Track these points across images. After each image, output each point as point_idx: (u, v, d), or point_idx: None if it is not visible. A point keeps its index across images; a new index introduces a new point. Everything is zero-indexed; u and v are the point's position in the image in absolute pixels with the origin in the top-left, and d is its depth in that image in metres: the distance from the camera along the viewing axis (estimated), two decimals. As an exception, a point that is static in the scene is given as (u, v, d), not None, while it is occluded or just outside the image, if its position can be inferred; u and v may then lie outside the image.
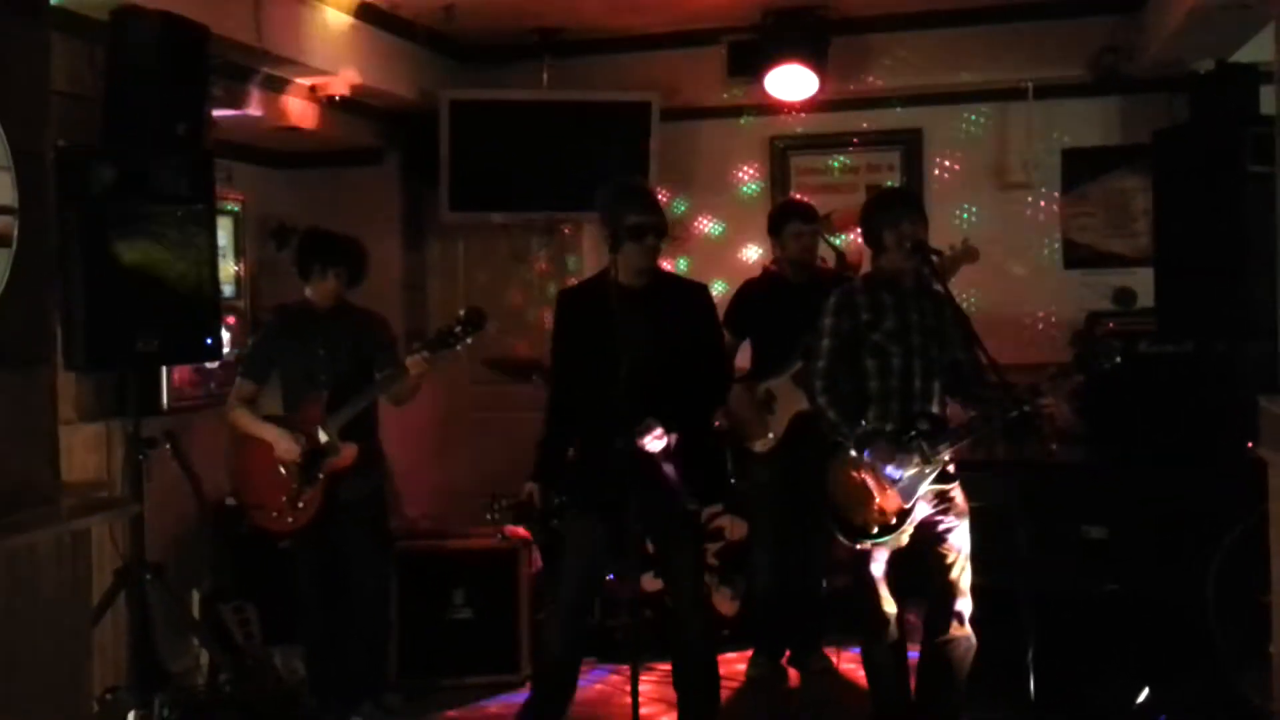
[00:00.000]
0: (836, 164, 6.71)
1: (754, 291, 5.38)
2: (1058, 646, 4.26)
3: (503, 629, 5.19)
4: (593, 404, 3.98)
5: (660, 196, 6.53)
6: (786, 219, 5.23)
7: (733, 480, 5.73)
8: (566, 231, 6.89)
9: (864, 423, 4.06)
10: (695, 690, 4.09)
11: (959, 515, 4.06)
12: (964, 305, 4.36)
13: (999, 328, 6.01)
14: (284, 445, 4.51)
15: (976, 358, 4.01)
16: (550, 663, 4.10)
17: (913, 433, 3.98)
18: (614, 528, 3.94)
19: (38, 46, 2.80)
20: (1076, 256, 6.39)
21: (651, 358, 3.81)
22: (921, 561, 4.09)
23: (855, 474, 4.02)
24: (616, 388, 3.73)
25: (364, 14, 5.76)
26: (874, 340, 4.05)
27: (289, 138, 6.08)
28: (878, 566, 4.11)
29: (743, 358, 5.34)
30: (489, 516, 5.06)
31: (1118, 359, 3.90)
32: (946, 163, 6.58)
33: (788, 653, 5.31)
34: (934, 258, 4.08)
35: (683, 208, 6.85)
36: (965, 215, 6.51)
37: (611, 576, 5.48)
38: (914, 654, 4.22)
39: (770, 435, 5.14)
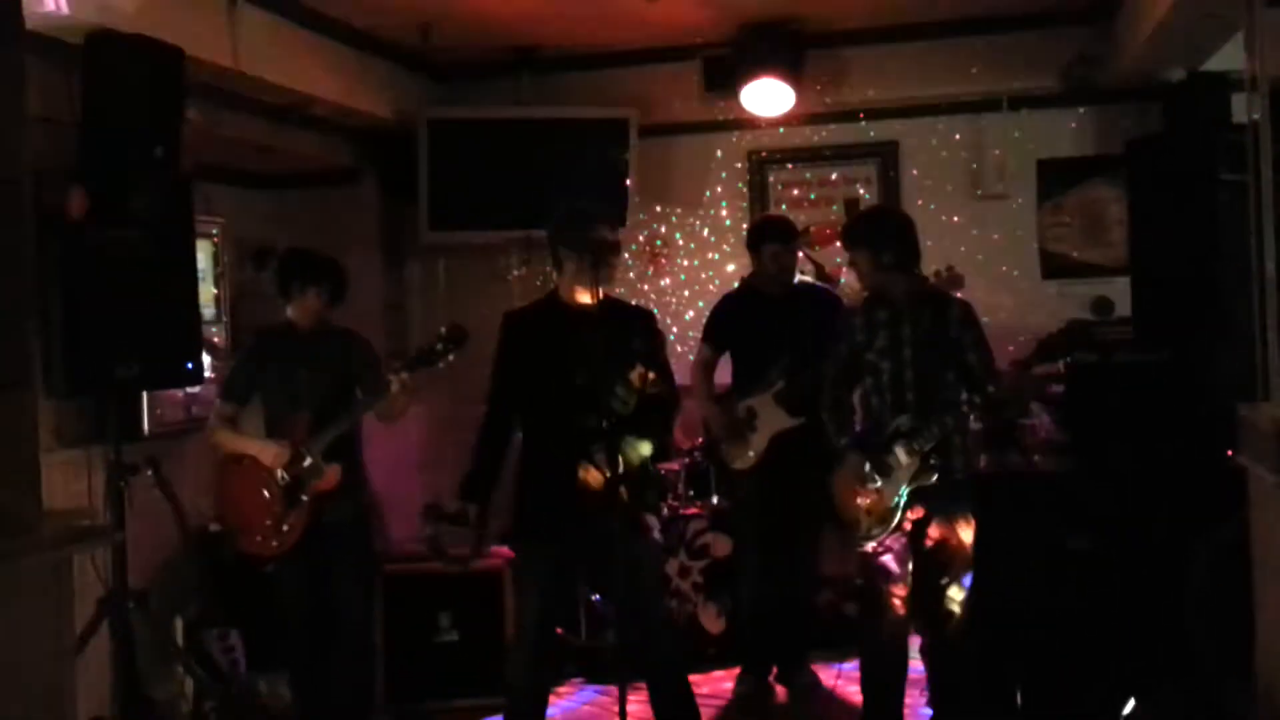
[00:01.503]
0: (813, 177, 6.75)
1: (732, 305, 5.40)
2: (1042, 657, 4.28)
3: (490, 651, 5.16)
4: (541, 428, 3.99)
5: (638, 214, 6.62)
6: (763, 240, 5.23)
7: (715, 497, 5.75)
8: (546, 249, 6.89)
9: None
10: (673, 709, 4.07)
11: (953, 503, 4.15)
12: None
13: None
14: (271, 453, 4.47)
15: (986, 361, 4.13)
16: (517, 691, 4.05)
17: (891, 432, 4.14)
18: (567, 552, 3.97)
19: (12, 72, 2.79)
20: (1053, 267, 6.43)
21: (602, 380, 3.80)
22: None
23: (847, 481, 4.25)
24: (569, 411, 3.76)
25: (340, 34, 5.76)
26: (868, 359, 4.26)
27: (266, 159, 6.06)
28: (889, 557, 4.23)
29: (722, 373, 5.35)
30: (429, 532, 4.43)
31: (1068, 357, 4.01)
32: (923, 175, 6.62)
33: (775, 669, 5.30)
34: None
35: (661, 224, 6.87)
36: (942, 226, 6.55)
37: (597, 597, 5.50)
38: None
39: (751, 453, 5.12)
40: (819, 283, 5.67)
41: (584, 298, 3.94)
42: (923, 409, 4.12)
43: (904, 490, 4.13)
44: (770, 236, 5.22)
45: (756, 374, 5.13)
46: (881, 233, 4.26)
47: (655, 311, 4.38)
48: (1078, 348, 4.07)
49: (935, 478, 4.11)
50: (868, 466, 4.18)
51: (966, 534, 4.17)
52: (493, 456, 4.09)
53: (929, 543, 4.18)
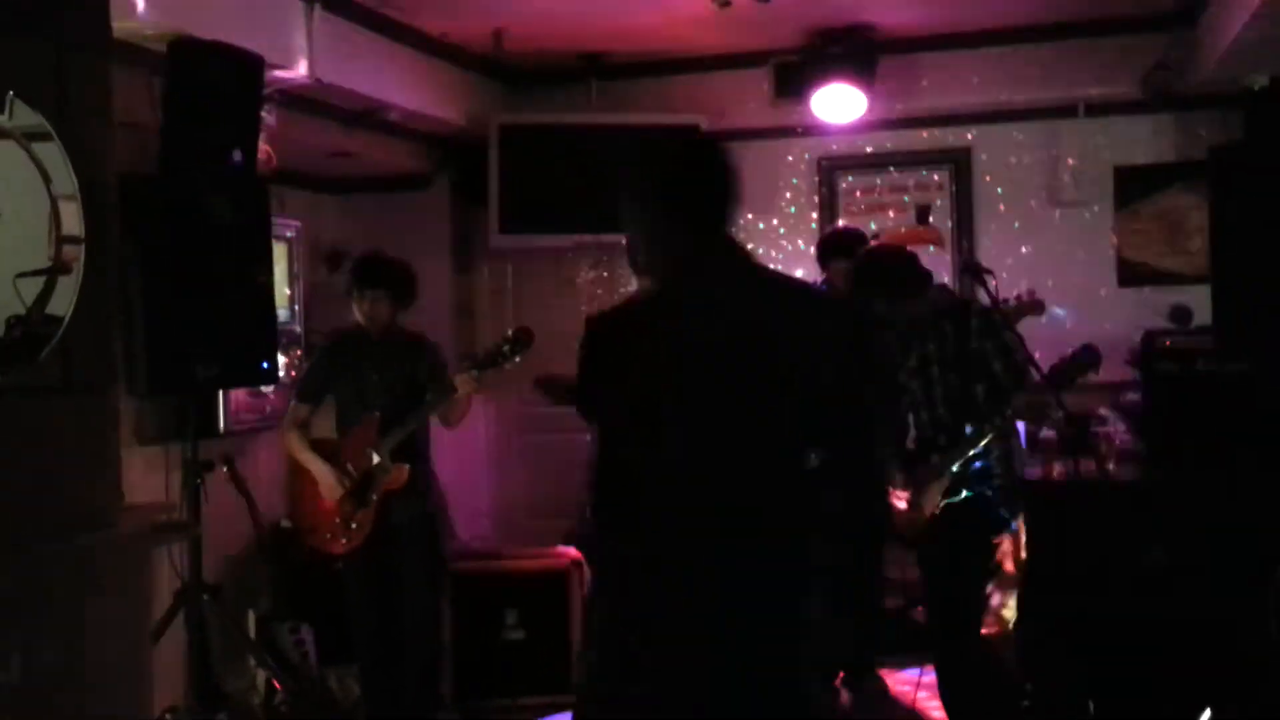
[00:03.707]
0: (884, 184, 6.70)
1: None
2: (1117, 668, 4.21)
3: (556, 649, 5.19)
4: None
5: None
6: (830, 256, 5.26)
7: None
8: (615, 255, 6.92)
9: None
10: None
11: (987, 526, 4.11)
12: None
13: (1054, 347, 5.92)
14: (327, 485, 4.55)
15: (1011, 367, 4.04)
16: (584, 693, 4.08)
17: (927, 449, 4.17)
18: None
19: (100, 78, 2.86)
20: (1130, 275, 6.33)
21: None
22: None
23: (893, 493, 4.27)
24: None
25: (414, 41, 5.83)
26: (900, 380, 4.26)
27: (340, 164, 6.16)
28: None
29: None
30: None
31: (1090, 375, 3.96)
32: (996, 182, 6.54)
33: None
34: (987, 277, 4.14)
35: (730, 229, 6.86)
36: (1016, 234, 6.48)
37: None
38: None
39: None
40: None
41: None
42: (956, 425, 4.10)
43: (938, 505, 4.12)
44: (836, 252, 5.23)
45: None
46: (895, 280, 4.24)
47: None
48: (1086, 372, 4.00)
49: (966, 494, 4.08)
50: (902, 479, 4.21)
51: (1005, 546, 4.14)
52: None
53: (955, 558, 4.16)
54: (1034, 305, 4.84)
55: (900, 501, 4.21)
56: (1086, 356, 3.95)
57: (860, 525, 3.60)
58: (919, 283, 4.26)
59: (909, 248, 5.20)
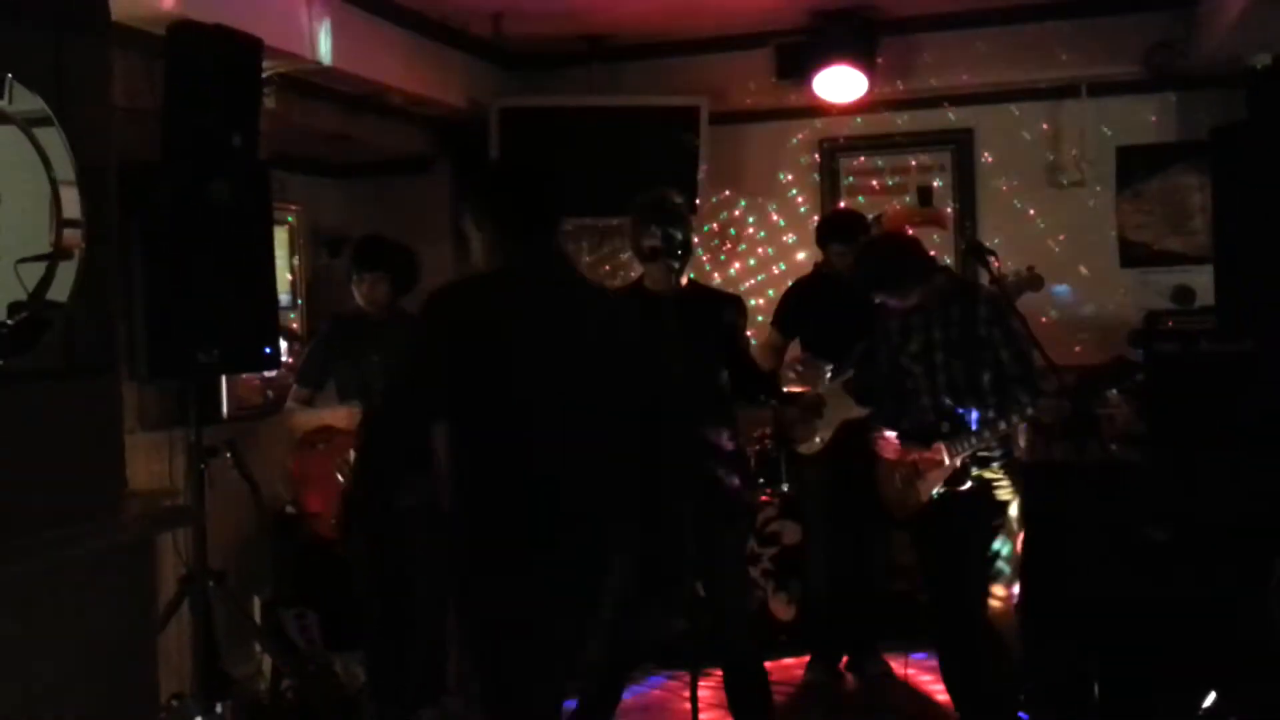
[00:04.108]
0: (886, 165, 6.69)
1: (804, 292, 5.38)
2: (1120, 650, 4.22)
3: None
4: None
5: (710, 200, 6.61)
6: (827, 240, 5.25)
7: (785, 485, 5.72)
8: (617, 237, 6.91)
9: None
10: (747, 695, 4.09)
11: (995, 514, 4.09)
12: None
13: (1056, 328, 5.99)
14: (348, 421, 4.53)
15: (1019, 355, 4.02)
16: (592, 675, 4.09)
17: (935, 436, 4.12)
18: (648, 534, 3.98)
19: (100, 61, 2.85)
20: (1133, 255, 6.31)
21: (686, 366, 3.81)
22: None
23: (885, 467, 4.29)
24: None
25: (415, 24, 5.81)
26: (902, 364, 4.25)
27: (341, 148, 6.14)
28: None
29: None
30: None
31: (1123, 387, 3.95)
32: (998, 162, 6.53)
33: (845, 658, 5.28)
34: (990, 258, 4.15)
35: (732, 211, 6.86)
36: (1017, 214, 6.47)
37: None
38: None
39: (818, 440, 5.12)
40: None
41: (663, 288, 3.95)
42: (960, 413, 4.07)
43: (935, 493, 4.11)
44: (833, 236, 5.22)
45: (827, 361, 5.11)
46: (908, 266, 4.21)
47: None
48: (1126, 378, 3.99)
49: (968, 484, 4.07)
50: (906, 454, 4.20)
51: (1007, 527, 4.12)
52: None
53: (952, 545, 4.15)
54: (1033, 280, 4.83)
55: (911, 496, 4.18)
56: (1121, 372, 3.95)
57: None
58: (920, 272, 4.22)
59: (912, 230, 5.20)
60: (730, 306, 4.19)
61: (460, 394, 2.88)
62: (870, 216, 5.75)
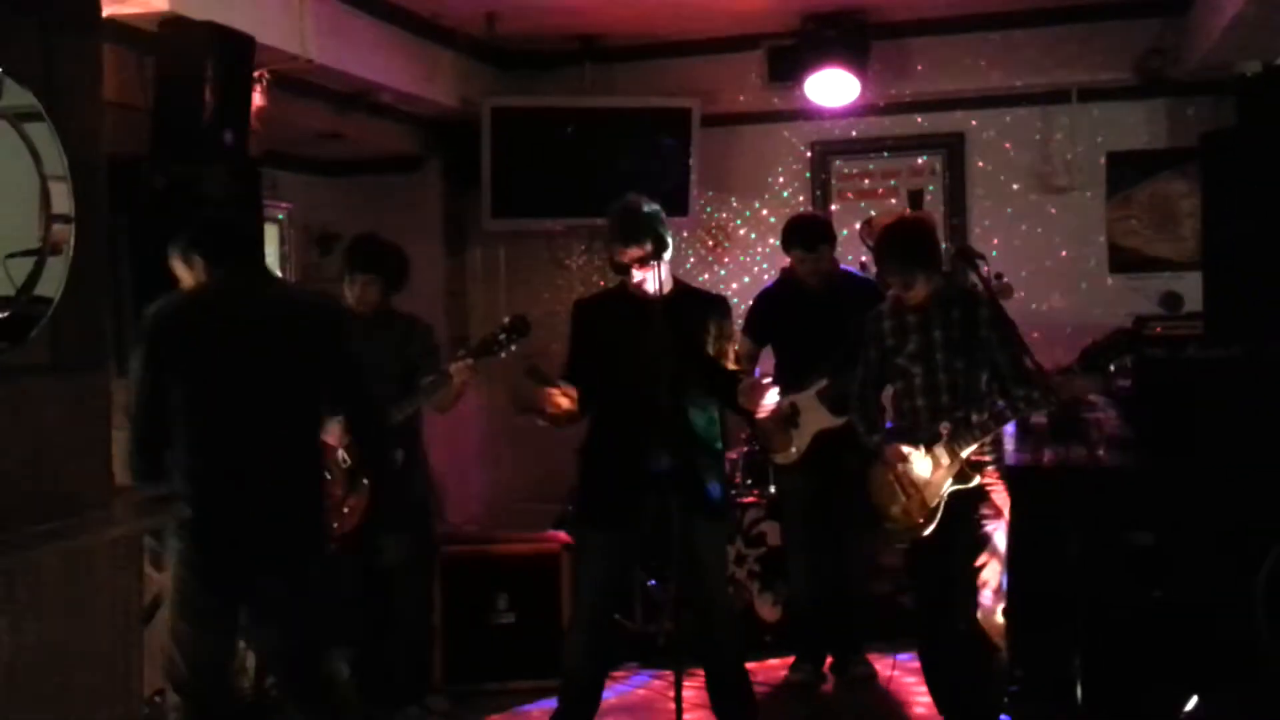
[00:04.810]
0: (876, 169, 6.70)
1: (772, 298, 5.33)
2: (1105, 653, 4.23)
3: (546, 633, 5.19)
4: (606, 414, 4.03)
5: (700, 201, 6.62)
6: (789, 245, 5.14)
7: (772, 486, 5.72)
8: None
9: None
10: (730, 696, 4.10)
11: (989, 515, 4.09)
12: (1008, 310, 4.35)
13: (1044, 332, 5.99)
14: (337, 435, 4.53)
15: (1015, 359, 4.03)
16: (572, 675, 4.11)
17: (931, 436, 4.09)
18: (630, 536, 4.01)
19: (91, 58, 2.85)
20: (1122, 261, 6.35)
21: (669, 368, 3.80)
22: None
23: (885, 477, 4.21)
24: (639, 398, 3.80)
25: (407, 23, 5.81)
26: (898, 364, 4.21)
27: (332, 146, 6.14)
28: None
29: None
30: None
31: (1125, 360, 3.92)
32: (989, 167, 6.55)
33: (830, 659, 5.29)
34: (980, 262, 4.16)
35: (722, 213, 6.87)
36: (1007, 219, 6.49)
37: (654, 582, 5.52)
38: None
39: (794, 450, 5.09)
40: (861, 273, 5.61)
41: (647, 288, 3.95)
42: (960, 413, 4.08)
43: (945, 491, 4.08)
44: (793, 243, 5.10)
45: (799, 370, 5.07)
46: (924, 250, 4.20)
47: None
48: (1125, 354, 3.98)
49: (975, 482, 4.07)
50: (908, 456, 4.13)
51: (999, 534, 4.12)
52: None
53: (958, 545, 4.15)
54: (1002, 290, 4.85)
55: (903, 495, 4.16)
56: (1121, 340, 3.93)
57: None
58: (939, 260, 4.20)
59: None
60: (717, 307, 4.17)
61: (179, 395, 3.35)
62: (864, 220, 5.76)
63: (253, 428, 3.41)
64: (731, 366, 4.09)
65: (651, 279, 3.91)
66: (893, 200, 6.64)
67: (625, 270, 3.95)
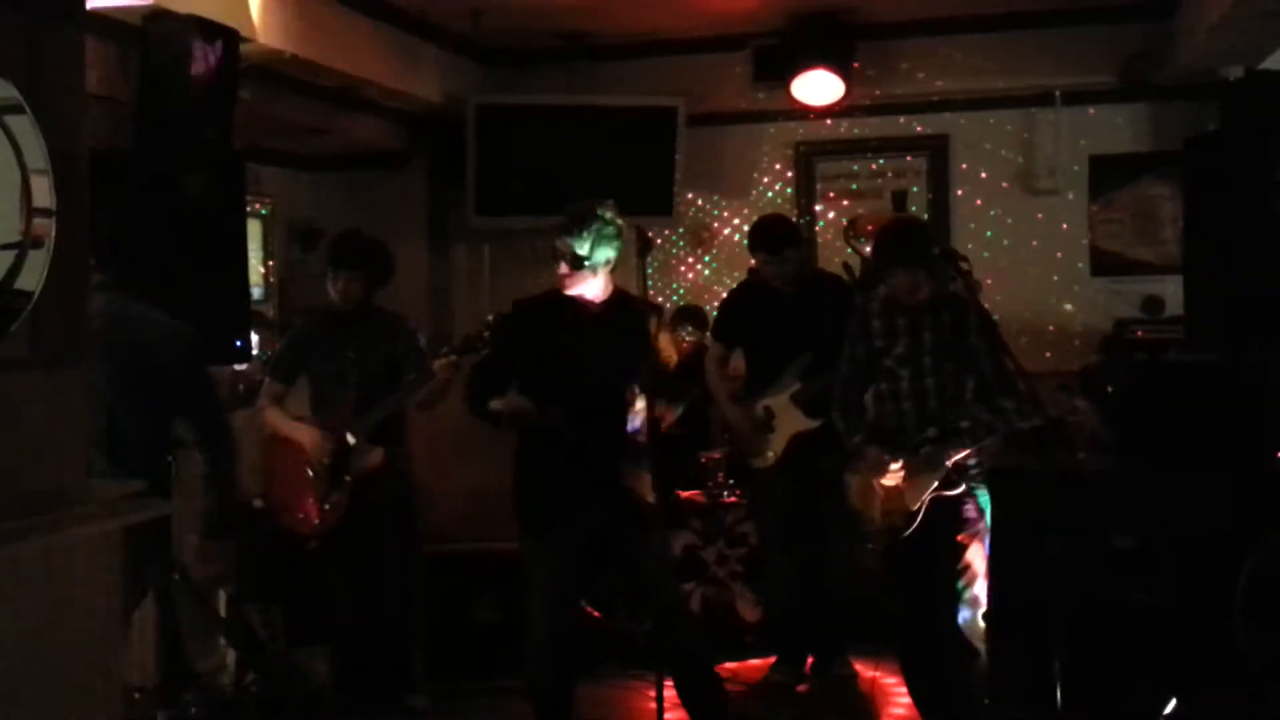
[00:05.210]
0: (861, 169, 6.71)
1: (741, 300, 5.29)
2: (1085, 655, 4.25)
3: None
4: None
5: (685, 201, 6.62)
6: (754, 248, 5.09)
7: (741, 489, 5.71)
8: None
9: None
10: (699, 696, 4.06)
11: (970, 519, 4.09)
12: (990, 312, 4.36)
13: (1026, 335, 6.02)
14: (315, 442, 4.53)
15: (1000, 366, 4.02)
16: (539, 685, 4.09)
17: (919, 441, 4.07)
18: (576, 535, 4.01)
19: (74, 50, 2.82)
20: (1104, 264, 6.37)
21: (599, 371, 3.87)
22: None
23: (864, 481, 4.19)
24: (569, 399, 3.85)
25: (393, 18, 5.79)
26: (886, 365, 4.18)
27: (316, 141, 6.11)
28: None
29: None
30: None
31: (1109, 389, 3.94)
32: (973, 169, 6.56)
33: (810, 660, 5.29)
34: (963, 264, 4.14)
35: (706, 213, 6.87)
36: (991, 221, 6.51)
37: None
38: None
39: (770, 454, 5.07)
40: (830, 272, 5.59)
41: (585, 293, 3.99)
42: (947, 418, 4.07)
43: (926, 497, 4.08)
44: (758, 246, 5.05)
45: (771, 373, 5.05)
46: (927, 249, 4.19)
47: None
48: (1116, 377, 4.01)
49: (961, 489, 4.07)
50: (887, 465, 4.12)
51: (976, 545, 4.13)
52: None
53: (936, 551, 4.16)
54: (975, 284, 4.85)
55: (883, 496, 4.14)
56: (1121, 364, 3.96)
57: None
58: (934, 258, 4.19)
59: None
60: (646, 316, 4.18)
61: None
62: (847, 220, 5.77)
63: None
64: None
65: (588, 288, 3.93)
66: (879, 200, 6.65)
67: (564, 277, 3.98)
